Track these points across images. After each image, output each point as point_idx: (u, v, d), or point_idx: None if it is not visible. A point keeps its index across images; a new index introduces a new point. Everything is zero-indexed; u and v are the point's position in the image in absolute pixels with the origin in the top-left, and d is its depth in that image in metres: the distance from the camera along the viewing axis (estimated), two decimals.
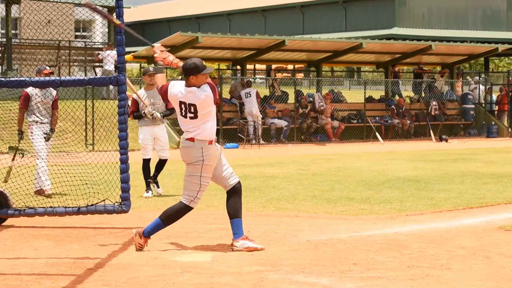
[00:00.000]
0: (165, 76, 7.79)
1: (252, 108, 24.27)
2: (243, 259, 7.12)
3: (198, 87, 7.39)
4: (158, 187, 11.88)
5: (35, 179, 11.65)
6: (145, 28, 59.72)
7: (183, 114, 7.44)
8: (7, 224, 9.07)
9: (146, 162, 11.76)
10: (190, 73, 7.35)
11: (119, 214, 8.81)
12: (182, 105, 7.43)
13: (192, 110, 7.39)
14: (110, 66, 26.10)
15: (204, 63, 7.49)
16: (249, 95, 24.46)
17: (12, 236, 8.41)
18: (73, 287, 6.13)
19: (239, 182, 7.75)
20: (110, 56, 26.06)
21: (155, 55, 7.69)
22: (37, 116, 11.69)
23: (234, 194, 7.69)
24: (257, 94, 24.71)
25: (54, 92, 11.80)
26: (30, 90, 11.59)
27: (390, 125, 27.61)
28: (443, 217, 9.83)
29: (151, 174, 11.77)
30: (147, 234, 7.50)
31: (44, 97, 11.69)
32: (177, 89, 7.47)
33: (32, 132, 11.70)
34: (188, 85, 7.42)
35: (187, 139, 7.45)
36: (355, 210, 10.39)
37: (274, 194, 12.06)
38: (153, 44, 7.88)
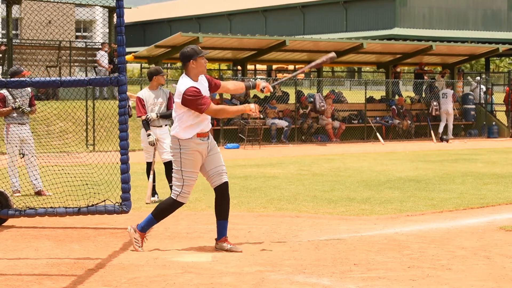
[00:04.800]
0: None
1: (448, 107, 28.22)
2: (243, 259, 7.12)
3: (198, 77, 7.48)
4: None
5: (36, 179, 11.66)
6: (146, 29, 59.75)
7: None
8: (8, 225, 9.07)
9: (148, 165, 11.54)
10: (189, 59, 7.42)
11: (119, 215, 8.81)
12: None
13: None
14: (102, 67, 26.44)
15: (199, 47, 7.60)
16: (445, 96, 28.39)
17: (12, 237, 8.41)
18: (74, 287, 6.14)
19: (223, 184, 7.51)
20: (98, 57, 26.48)
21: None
22: (15, 117, 11.63)
23: (217, 195, 7.55)
24: (453, 95, 28.61)
25: (28, 89, 11.70)
26: (4, 91, 11.51)
27: (390, 125, 27.60)
28: (443, 217, 9.83)
29: (153, 177, 11.51)
30: (141, 228, 7.54)
31: (20, 95, 11.62)
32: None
33: (7, 133, 11.64)
34: (192, 77, 7.47)
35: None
36: (355, 210, 10.39)
37: (275, 194, 12.05)
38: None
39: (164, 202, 7.66)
